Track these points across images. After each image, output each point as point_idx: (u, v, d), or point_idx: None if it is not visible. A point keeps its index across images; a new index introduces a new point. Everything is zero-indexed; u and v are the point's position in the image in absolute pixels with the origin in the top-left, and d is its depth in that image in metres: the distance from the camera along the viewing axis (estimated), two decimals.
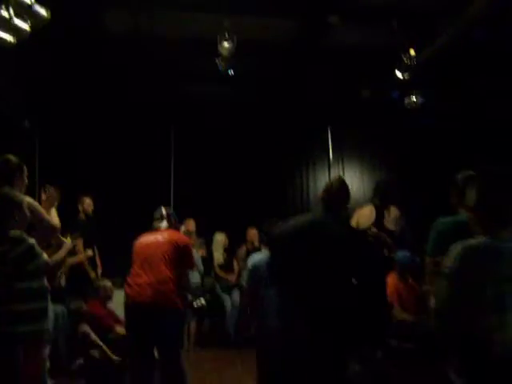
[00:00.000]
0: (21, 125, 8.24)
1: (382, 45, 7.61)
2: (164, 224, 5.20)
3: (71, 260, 6.61)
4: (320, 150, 10.11)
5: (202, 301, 5.99)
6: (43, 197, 4.30)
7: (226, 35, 6.88)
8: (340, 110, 9.37)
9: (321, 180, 10.04)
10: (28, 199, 3.84)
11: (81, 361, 5.61)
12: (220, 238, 8.60)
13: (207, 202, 9.00)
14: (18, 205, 3.52)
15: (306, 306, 3.32)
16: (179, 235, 5.33)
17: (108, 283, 6.20)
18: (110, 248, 7.51)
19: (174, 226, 5.28)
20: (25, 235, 3.46)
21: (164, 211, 5.27)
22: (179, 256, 4.94)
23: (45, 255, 3.51)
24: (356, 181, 9.99)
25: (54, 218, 4.21)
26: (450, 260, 2.37)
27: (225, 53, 7.01)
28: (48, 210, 4.10)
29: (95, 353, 5.56)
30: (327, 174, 10.06)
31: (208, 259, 8.46)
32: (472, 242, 2.40)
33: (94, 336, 5.65)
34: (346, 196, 3.76)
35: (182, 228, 8.34)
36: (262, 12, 7.29)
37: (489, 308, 2.23)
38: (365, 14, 7.39)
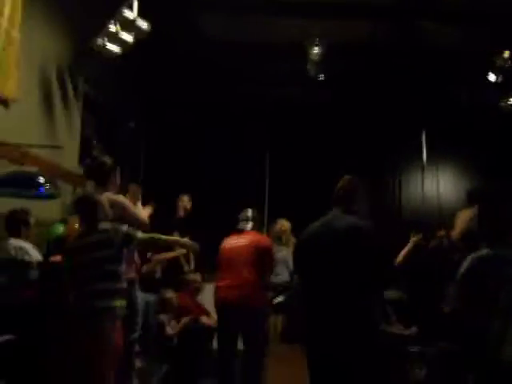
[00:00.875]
0: (127, 126, 8.92)
1: (477, 47, 7.52)
2: (249, 226, 5.56)
3: (168, 255, 7.10)
4: (414, 153, 10.03)
5: (280, 298, 6.26)
6: (127, 195, 4.77)
7: (315, 40, 7.09)
8: (435, 112, 9.26)
9: (414, 185, 9.97)
10: (120, 197, 4.31)
11: (163, 347, 6.06)
12: None
13: (301, 202, 9.21)
14: (99, 204, 4.12)
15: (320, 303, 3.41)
16: (261, 238, 5.65)
17: (198, 277, 6.64)
18: (204, 245, 7.92)
19: (258, 227, 5.65)
20: (113, 225, 4.06)
21: (250, 213, 5.66)
22: (260, 258, 5.32)
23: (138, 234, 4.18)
24: (450, 186, 9.81)
25: (141, 212, 4.67)
26: (462, 268, 2.54)
27: (314, 58, 7.22)
28: (134, 204, 4.53)
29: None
30: (420, 179, 9.96)
31: None
32: (481, 252, 2.58)
33: (168, 328, 6.11)
34: (353, 192, 3.67)
35: (276, 226, 8.65)
36: (349, 15, 7.45)
37: (500, 309, 2.34)
38: (457, 15, 7.34)
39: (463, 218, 5.84)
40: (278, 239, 8.31)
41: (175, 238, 5.83)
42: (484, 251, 2.59)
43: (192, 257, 7.76)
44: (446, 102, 9.00)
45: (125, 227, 4.16)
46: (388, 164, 10.16)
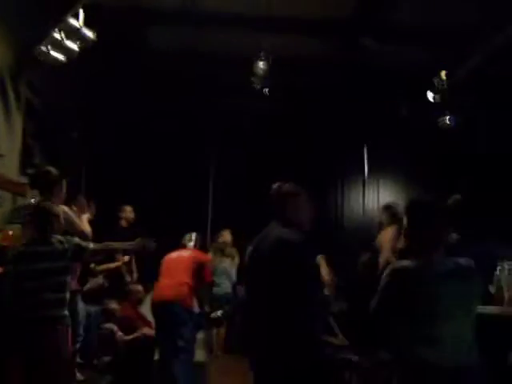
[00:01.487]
0: (70, 135, 8.78)
1: (418, 64, 7.81)
2: (192, 244, 6.49)
3: (112, 265, 7.11)
4: (355, 168, 10.27)
5: (219, 313, 6.71)
6: (73, 206, 4.74)
7: (262, 55, 7.21)
8: (376, 127, 9.53)
9: (355, 199, 10.21)
10: (63, 208, 4.26)
11: (107, 358, 6.03)
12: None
13: (243, 213, 9.29)
14: (56, 216, 4.14)
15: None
16: (201, 253, 6.52)
17: (139, 287, 6.68)
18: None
19: (197, 247, 6.57)
20: (65, 237, 4.14)
21: (194, 236, 6.59)
22: (198, 268, 6.10)
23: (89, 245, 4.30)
24: (390, 198, 10.02)
25: (85, 224, 4.64)
26: (382, 279, 2.67)
27: (260, 72, 7.33)
28: (79, 217, 4.51)
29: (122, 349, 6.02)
30: (361, 193, 10.21)
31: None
32: (402, 263, 2.73)
33: (119, 333, 6.14)
34: (283, 201, 3.63)
35: (220, 239, 8.71)
36: (298, 31, 7.62)
37: (421, 322, 2.50)
38: (399, 33, 7.61)
39: (387, 238, 6.06)
40: (221, 251, 8.38)
41: (128, 242, 5.88)
42: (404, 262, 2.71)
43: (134, 267, 7.74)
44: (387, 117, 9.26)
45: (76, 239, 4.17)
46: (330, 176, 10.36)
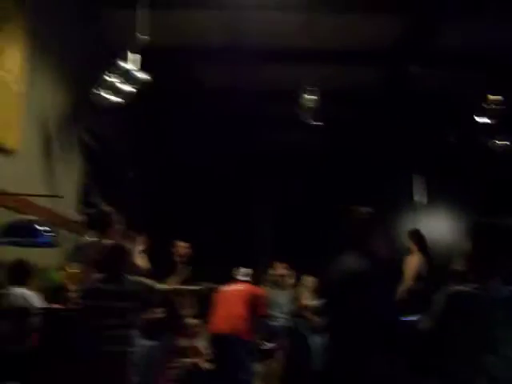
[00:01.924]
0: (126, 175, 9.06)
1: (465, 87, 7.77)
2: (246, 278, 6.62)
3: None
4: (405, 196, 10.16)
5: (267, 345, 6.72)
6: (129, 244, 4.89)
7: (308, 87, 7.30)
8: (426, 154, 9.44)
9: (406, 226, 10.06)
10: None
11: None
12: (309, 282, 8.84)
13: (295, 246, 9.30)
14: (130, 256, 4.44)
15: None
16: (255, 288, 6.65)
17: (196, 321, 6.75)
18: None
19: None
20: (136, 278, 4.33)
21: (248, 270, 6.76)
22: (253, 301, 6.28)
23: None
24: (442, 227, 9.91)
25: (139, 259, 4.79)
26: (437, 303, 2.62)
27: (308, 104, 7.42)
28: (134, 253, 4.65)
29: None
30: (414, 218, 10.06)
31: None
32: (459, 288, 2.62)
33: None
34: (363, 231, 3.44)
35: (273, 272, 8.73)
36: (343, 61, 7.71)
37: (476, 350, 2.43)
38: (446, 59, 7.60)
39: (411, 265, 5.95)
40: (275, 284, 8.39)
41: (193, 287, 6.16)
42: (460, 287, 2.63)
43: (194, 302, 7.78)
44: (438, 143, 9.17)
45: (148, 281, 4.38)
46: (381, 205, 10.20)
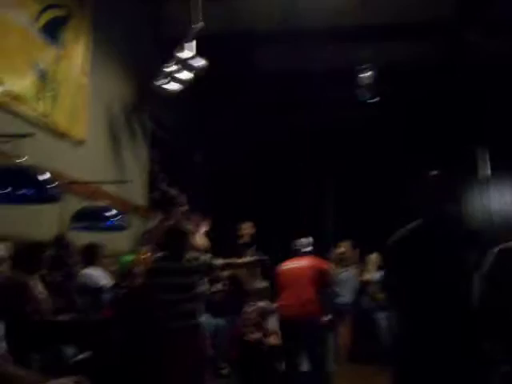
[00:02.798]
0: (192, 159, 9.34)
1: None
2: (308, 249, 6.09)
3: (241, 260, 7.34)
4: (476, 168, 9.91)
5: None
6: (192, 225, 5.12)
7: (365, 65, 7.27)
8: (495, 125, 9.15)
9: (477, 200, 9.84)
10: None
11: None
12: (373, 259, 8.84)
13: (360, 224, 9.29)
14: (189, 235, 4.67)
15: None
16: (319, 260, 6.11)
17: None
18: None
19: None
20: (197, 255, 4.60)
21: (308, 239, 6.19)
22: (320, 277, 5.85)
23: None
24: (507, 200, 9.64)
25: (200, 239, 5.00)
26: (488, 262, 2.59)
27: (366, 81, 7.39)
28: (195, 232, 4.85)
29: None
30: (484, 194, 9.83)
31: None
32: (509, 244, 2.59)
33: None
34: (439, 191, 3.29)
35: (339, 250, 8.80)
36: (401, 36, 7.61)
37: None
38: (503, 26, 7.35)
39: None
40: (341, 261, 8.45)
41: (248, 258, 6.36)
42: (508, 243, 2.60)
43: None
44: (503, 114, 8.87)
45: (207, 257, 4.64)
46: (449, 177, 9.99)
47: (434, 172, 3.34)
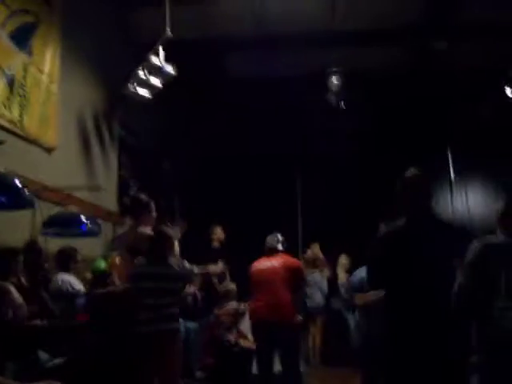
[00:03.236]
0: (161, 166, 9.34)
1: (493, 60, 7.74)
2: (280, 246, 5.93)
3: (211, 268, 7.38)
4: (441, 171, 10.13)
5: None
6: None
7: (334, 69, 7.41)
8: (459, 129, 9.39)
9: (443, 202, 10.06)
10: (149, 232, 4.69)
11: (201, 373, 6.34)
12: (344, 261, 8.98)
13: (332, 227, 9.42)
14: (173, 240, 4.71)
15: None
16: (291, 259, 5.98)
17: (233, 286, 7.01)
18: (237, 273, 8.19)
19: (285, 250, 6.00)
20: (179, 261, 4.81)
21: (279, 236, 6.03)
22: (293, 276, 5.70)
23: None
24: (479, 199, 9.89)
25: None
26: (471, 253, 2.83)
27: (334, 87, 7.53)
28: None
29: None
30: (449, 196, 10.07)
31: (334, 281, 8.86)
32: (490, 238, 2.92)
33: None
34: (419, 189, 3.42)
35: (308, 252, 8.93)
36: (367, 42, 7.78)
37: (502, 293, 2.64)
38: (470, 32, 7.57)
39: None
40: (312, 263, 8.58)
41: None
42: (489, 238, 2.89)
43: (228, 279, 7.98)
44: (469, 118, 9.11)
45: (187, 264, 4.78)
46: None
47: (416, 171, 3.45)
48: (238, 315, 6.70)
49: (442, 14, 7.21)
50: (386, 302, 3.39)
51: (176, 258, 4.84)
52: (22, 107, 5.27)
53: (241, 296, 7.53)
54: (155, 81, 6.79)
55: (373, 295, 4.71)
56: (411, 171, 3.47)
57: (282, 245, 5.95)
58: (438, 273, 3.06)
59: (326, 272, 8.82)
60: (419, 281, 3.10)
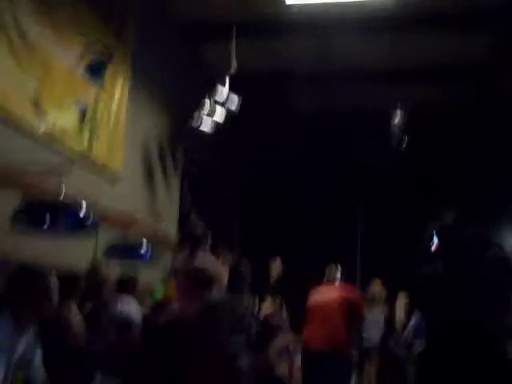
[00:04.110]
0: (223, 196, 9.46)
1: None
2: (338, 276, 5.94)
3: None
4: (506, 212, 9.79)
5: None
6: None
7: (398, 106, 7.36)
8: None
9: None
10: (211, 259, 4.71)
11: None
12: (404, 300, 8.76)
13: (391, 262, 9.22)
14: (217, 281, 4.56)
15: None
16: (350, 289, 5.93)
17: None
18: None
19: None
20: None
21: (338, 267, 6.07)
22: (351, 309, 5.58)
23: None
24: None
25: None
26: None
27: (398, 123, 7.47)
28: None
29: None
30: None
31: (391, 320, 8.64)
32: None
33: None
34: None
35: (370, 288, 8.75)
36: (432, 79, 7.69)
37: None
38: None
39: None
40: (371, 300, 8.38)
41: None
42: None
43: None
44: None
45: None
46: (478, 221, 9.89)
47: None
48: (292, 348, 6.62)
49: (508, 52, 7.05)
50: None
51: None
52: (92, 135, 5.48)
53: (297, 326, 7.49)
54: (219, 114, 6.94)
55: None
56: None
57: (341, 274, 5.93)
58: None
59: (384, 309, 8.61)
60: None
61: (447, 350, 3.11)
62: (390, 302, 8.75)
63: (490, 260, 3.31)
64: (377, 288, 8.64)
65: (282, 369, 6.27)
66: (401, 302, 8.68)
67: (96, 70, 5.53)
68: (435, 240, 3.53)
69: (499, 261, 3.24)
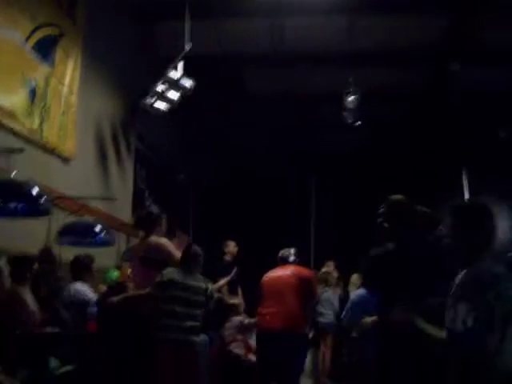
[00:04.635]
0: (176, 179, 9.42)
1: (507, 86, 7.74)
2: (292, 258, 5.91)
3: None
4: (455, 194, 10.07)
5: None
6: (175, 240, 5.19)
7: (351, 89, 7.46)
8: (475, 151, 9.36)
9: None
10: (165, 240, 4.70)
11: None
12: (356, 279, 8.94)
13: (344, 244, 9.41)
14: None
15: None
16: (303, 269, 5.94)
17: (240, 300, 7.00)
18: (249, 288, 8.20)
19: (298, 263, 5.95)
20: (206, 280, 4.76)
21: (292, 250, 6.03)
22: (305, 286, 5.63)
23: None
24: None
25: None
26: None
27: (350, 105, 7.58)
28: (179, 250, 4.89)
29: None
30: None
31: (345, 299, 8.81)
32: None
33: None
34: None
35: (324, 269, 8.90)
36: (385, 62, 7.82)
37: None
38: (487, 55, 7.58)
39: None
40: (324, 281, 8.53)
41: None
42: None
43: (242, 299, 7.98)
44: (485, 140, 9.08)
45: (210, 285, 4.81)
46: (430, 203, 10.17)
47: (400, 198, 3.62)
48: (247, 329, 6.67)
49: (460, 37, 7.21)
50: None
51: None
52: (42, 117, 5.37)
53: (252, 309, 7.56)
54: (173, 94, 6.87)
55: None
56: (395, 198, 3.62)
57: (295, 257, 5.91)
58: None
59: (338, 290, 8.78)
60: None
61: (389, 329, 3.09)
62: (344, 284, 8.95)
63: (428, 241, 3.42)
64: (330, 269, 8.80)
65: (237, 348, 6.35)
66: (353, 282, 8.89)
67: (45, 49, 5.40)
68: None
69: (435, 242, 3.26)
